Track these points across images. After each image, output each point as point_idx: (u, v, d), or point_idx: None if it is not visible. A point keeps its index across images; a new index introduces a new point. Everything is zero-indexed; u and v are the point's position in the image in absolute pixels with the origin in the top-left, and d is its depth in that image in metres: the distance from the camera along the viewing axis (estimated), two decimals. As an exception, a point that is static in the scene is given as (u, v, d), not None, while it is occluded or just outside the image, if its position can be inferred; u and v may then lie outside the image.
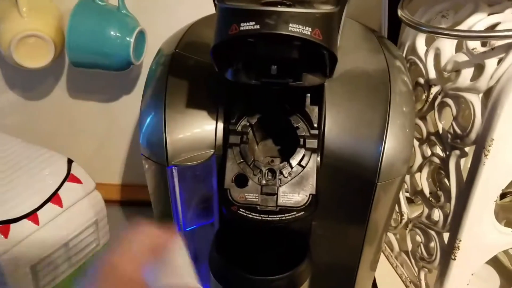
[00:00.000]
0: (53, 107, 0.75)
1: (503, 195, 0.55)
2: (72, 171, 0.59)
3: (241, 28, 0.31)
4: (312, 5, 0.32)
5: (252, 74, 0.37)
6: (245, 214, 0.39)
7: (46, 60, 0.63)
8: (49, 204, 0.55)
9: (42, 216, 0.54)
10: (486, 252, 0.49)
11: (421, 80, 0.51)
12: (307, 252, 0.44)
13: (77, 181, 0.59)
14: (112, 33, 0.61)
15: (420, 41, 0.51)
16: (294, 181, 0.40)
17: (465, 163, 0.49)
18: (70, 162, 0.60)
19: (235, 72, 0.38)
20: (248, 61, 0.37)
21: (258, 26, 0.31)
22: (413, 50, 0.52)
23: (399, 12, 0.47)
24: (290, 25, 0.31)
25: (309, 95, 0.41)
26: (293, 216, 0.39)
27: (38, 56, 0.63)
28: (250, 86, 0.39)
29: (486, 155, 0.42)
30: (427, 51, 0.49)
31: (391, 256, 0.62)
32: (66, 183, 0.58)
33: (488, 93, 0.44)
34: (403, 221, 0.57)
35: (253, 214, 0.39)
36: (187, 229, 0.48)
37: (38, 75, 0.72)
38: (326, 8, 0.32)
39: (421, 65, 0.50)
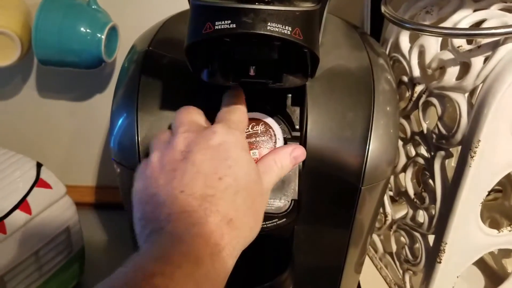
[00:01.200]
0: (21, 107, 0.72)
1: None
2: (41, 176, 0.56)
3: (216, 27, 0.29)
4: (292, 2, 0.30)
5: (229, 75, 0.35)
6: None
7: (13, 58, 0.60)
8: (17, 212, 0.52)
9: (9, 225, 0.51)
10: (472, 254, 0.48)
11: (405, 79, 0.49)
12: (290, 260, 0.42)
13: (47, 186, 0.55)
14: (81, 29, 0.57)
15: (404, 38, 0.49)
16: (275, 186, 0.38)
17: (449, 163, 0.48)
18: (39, 166, 0.57)
19: (211, 73, 0.35)
20: (225, 61, 0.35)
21: (234, 25, 0.29)
22: (396, 47, 0.50)
23: (382, 8, 0.45)
24: (269, 24, 0.29)
25: (290, 95, 0.39)
26: (275, 223, 0.37)
27: (3, 54, 0.59)
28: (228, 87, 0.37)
29: (472, 157, 0.41)
30: (411, 48, 0.48)
31: (375, 257, 0.60)
32: (34, 189, 0.54)
33: (473, 92, 0.43)
34: (387, 222, 0.56)
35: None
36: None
37: (5, 74, 0.69)
38: (307, 6, 0.30)
39: (404, 63, 0.49)
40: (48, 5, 0.57)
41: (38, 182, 0.55)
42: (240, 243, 0.30)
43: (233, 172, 0.30)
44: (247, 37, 0.30)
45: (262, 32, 0.29)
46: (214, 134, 0.32)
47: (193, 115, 0.35)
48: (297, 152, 0.36)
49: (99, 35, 0.58)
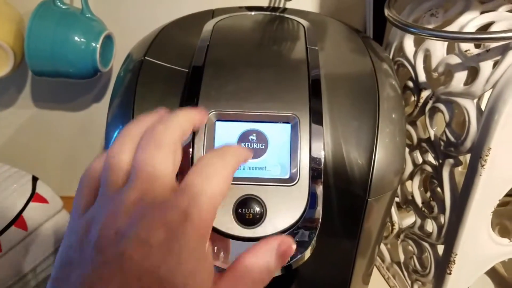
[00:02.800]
0: (16, 118, 0.70)
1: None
2: (37, 190, 0.54)
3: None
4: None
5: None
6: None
7: (6, 69, 0.58)
8: (12, 228, 0.50)
9: (4, 242, 0.49)
10: (483, 264, 0.46)
11: (410, 84, 0.48)
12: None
13: (43, 200, 0.54)
14: (75, 38, 0.56)
15: (408, 42, 0.47)
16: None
17: (458, 170, 0.46)
18: (35, 180, 0.55)
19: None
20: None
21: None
22: (400, 51, 0.48)
23: (386, 12, 0.44)
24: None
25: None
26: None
27: (-4, 65, 0.58)
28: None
29: (483, 165, 0.39)
30: (416, 52, 0.46)
31: (383, 267, 0.59)
32: (30, 204, 0.53)
33: (481, 98, 0.41)
34: (394, 231, 0.54)
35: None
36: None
37: (-1, 85, 0.67)
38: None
39: (409, 67, 0.47)
40: (41, 14, 0.55)
41: (34, 196, 0.54)
42: None
43: None
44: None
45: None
46: (164, 226, 0.24)
47: (163, 151, 0.27)
48: (285, 246, 0.28)
49: (94, 44, 0.57)
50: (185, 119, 0.29)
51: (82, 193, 0.28)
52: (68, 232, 0.27)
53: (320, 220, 0.35)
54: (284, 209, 0.34)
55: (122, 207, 0.25)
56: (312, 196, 0.35)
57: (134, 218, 0.24)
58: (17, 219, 0.51)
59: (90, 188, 0.28)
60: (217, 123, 0.36)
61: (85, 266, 0.24)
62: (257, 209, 0.34)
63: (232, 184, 0.33)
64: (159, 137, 0.27)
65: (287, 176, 0.35)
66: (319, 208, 0.35)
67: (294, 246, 0.28)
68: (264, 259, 0.27)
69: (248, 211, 0.34)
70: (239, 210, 0.34)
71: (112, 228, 0.24)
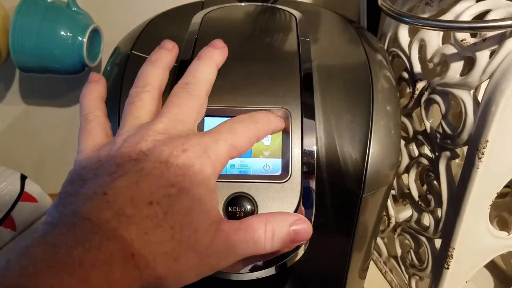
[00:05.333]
0: (5, 115, 0.69)
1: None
2: (25, 189, 0.53)
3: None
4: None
5: None
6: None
7: (-9, 65, 0.57)
8: (0, 229, 0.49)
9: (-8, 242, 0.49)
10: (481, 258, 0.45)
11: (405, 75, 0.46)
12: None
13: (32, 199, 0.53)
14: (61, 32, 0.54)
15: (403, 32, 0.46)
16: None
17: (455, 162, 0.45)
18: (23, 178, 0.54)
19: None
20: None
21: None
22: (395, 41, 0.47)
23: (380, 1, 0.42)
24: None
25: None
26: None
27: (-19, 61, 0.57)
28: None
29: (480, 158, 0.38)
30: (410, 42, 0.45)
31: (379, 261, 0.58)
32: (19, 203, 0.52)
33: (477, 88, 0.40)
34: (391, 225, 0.53)
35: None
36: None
37: (-15, 82, 0.66)
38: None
39: (404, 58, 0.46)
40: (25, 9, 0.54)
41: (22, 195, 0.52)
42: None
43: (170, 207, 0.24)
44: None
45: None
46: (184, 153, 0.26)
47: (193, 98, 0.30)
48: (301, 226, 0.29)
49: (81, 39, 0.55)
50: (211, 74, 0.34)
51: (92, 130, 0.32)
52: (77, 163, 0.28)
53: (313, 217, 0.34)
54: (276, 207, 0.33)
55: (150, 133, 0.27)
56: (305, 193, 0.34)
57: (159, 142, 0.26)
58: (6, 219, 0.50)
59: (100, 125, 0.32)
60: (206, 118, 0.34)
61: (100, 178, 0.25)
62: (248, 207, 0.33)
63: (221, 181, 0.33)
64: (191, 88, 0.31)
65: (278, 173, 0.34)
66: (312, 204, 0.34)
67: (310, 231, 0.29)
68: (279, 223, 0.28)
69: (239, 210, 0.33)
70: (230, 209, 0.33)
71: (137, 148, 0.26)
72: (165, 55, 0.35)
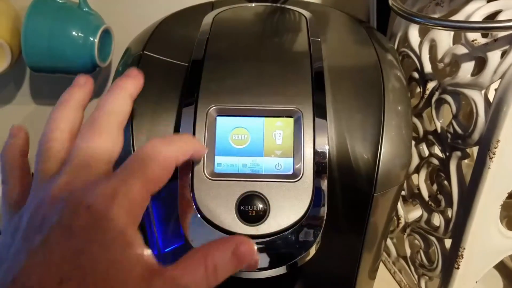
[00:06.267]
0: (15, 115, 0.69)
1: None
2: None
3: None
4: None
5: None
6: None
7: (3, 66, 0.57)
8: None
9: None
10: (492, 259, 0.45)
11: (416, 75, 0.46)
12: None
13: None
14: (73, 33, 0.55)
15: (413, 32, 0.46)
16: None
17: (464, 162, 0.45)
18: (34, 177, 0.54)
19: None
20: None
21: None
22: (405, 41, 0.47)
23: (390, 1, 0.42)
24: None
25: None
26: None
27: (-7, 62, 0.57)
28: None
29: (491, 158, 0.38)
30: (421, 42, 0.45)
31: (389, 261, 0.58)
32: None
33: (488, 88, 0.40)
34: (400, 225, 0.53)
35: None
36: (166, 250, 0.44)
37: (-3, 82, 0.66)
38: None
39: (415, 58, 0.46)
40: (37, 9, 0.54)
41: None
42: None
43: (83, 279, 0.21)
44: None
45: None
46: (88, 211, 0.23)
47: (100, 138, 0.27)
48: (242, 249, 0.25)
49: (92, 39, 0.56)
50: (122, 104, 0.31)
51: (11, 186, 0.29)
52: (3, 232, 0.26)
53: (325, 217, 0.35)
54: (288, 206, 0.33)
55: (50, 193, 0.24)
56: (316, 192, 0.34)
57: (59, 202, 0.23)
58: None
59: (16, 177, 0.30)
60: (218, 118, 0.35)
61: (12, 258, 0.23)
62: (260, 206, 0.33)
63: (233, 180, 0.33)
64: (98, 123, 0.28)
65: (290, 172, 0.34)
66: (324, 204, 0.34)
67: (254, 250, 0.26)
68: (220, 253, 0.25)
69: (251, 208, 0.33)
70: (242, 207, 0.33)
71: (39, 215, 0.23)
72: (76, 93, 0.32)
